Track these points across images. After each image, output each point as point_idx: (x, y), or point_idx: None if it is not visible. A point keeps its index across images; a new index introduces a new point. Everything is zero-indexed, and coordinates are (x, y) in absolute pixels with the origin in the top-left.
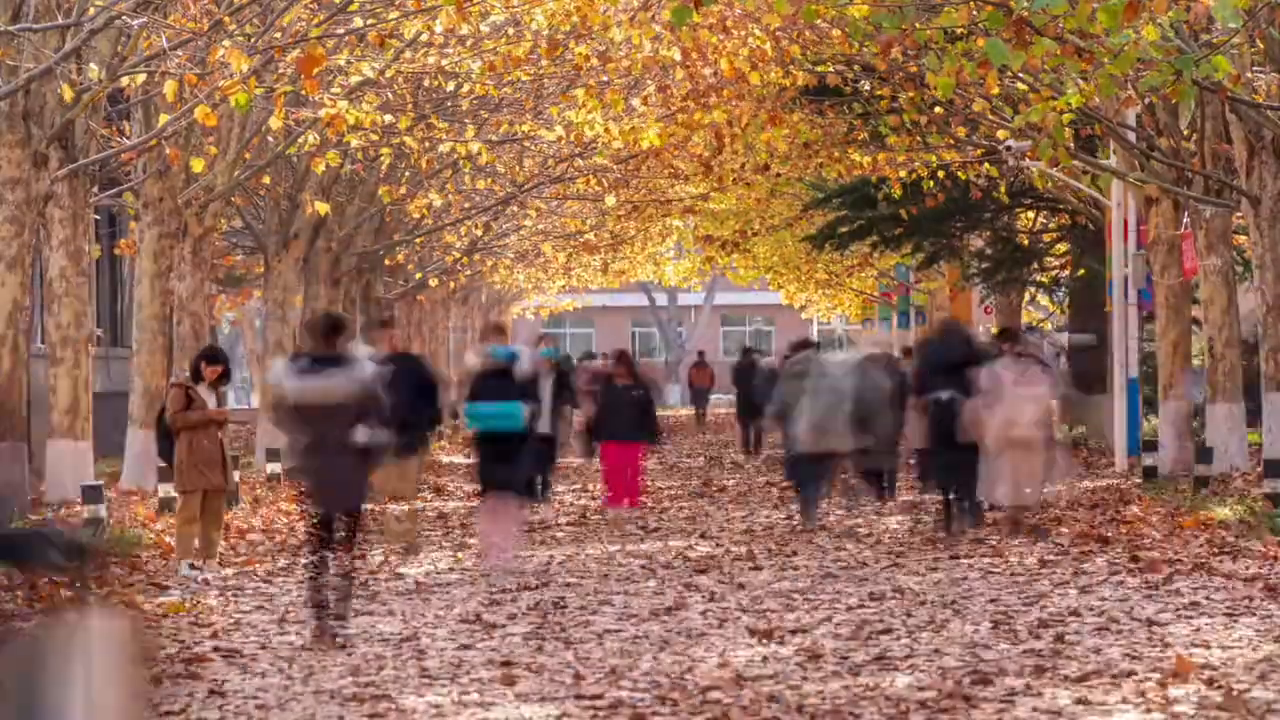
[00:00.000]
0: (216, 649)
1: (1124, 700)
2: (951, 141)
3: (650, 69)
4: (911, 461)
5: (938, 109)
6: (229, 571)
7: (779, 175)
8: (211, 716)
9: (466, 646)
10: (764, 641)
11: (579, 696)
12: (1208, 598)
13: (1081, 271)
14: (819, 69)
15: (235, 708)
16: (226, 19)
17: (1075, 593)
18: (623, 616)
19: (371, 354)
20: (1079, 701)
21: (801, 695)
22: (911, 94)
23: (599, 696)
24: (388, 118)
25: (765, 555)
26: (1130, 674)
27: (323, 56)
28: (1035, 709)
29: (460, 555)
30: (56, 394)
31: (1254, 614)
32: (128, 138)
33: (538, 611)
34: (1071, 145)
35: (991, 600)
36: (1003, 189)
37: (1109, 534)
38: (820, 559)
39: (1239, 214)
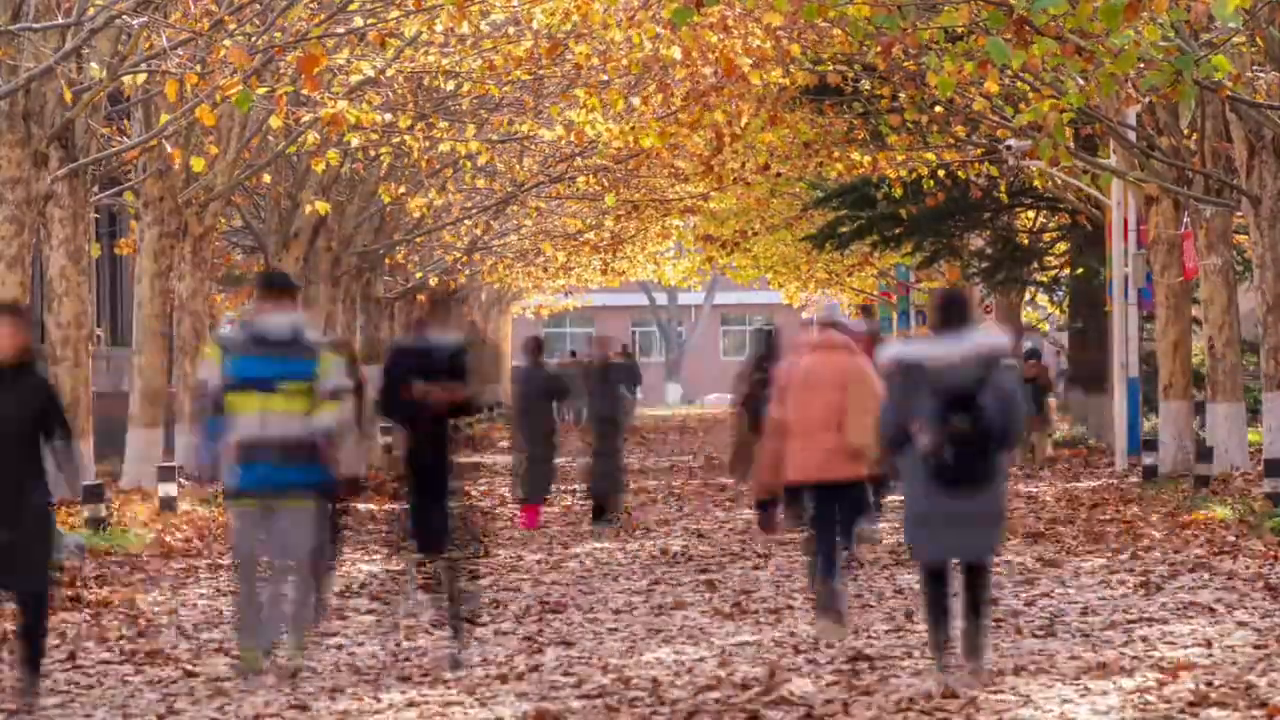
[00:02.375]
0: (220, 649)
1: (1123, 700)
2: (951, 141)
3: (650, 68)
4: None
5: (938, 108)
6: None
7: (779, 175)
8: (211, 715)
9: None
10: (763, 641)
11: (580, 696)
12: (1208, 597)
13: (1081, 271)
14: (819, 68)
15: (235, 709)
16: (227, 18)
17: (1074, 592)
18: (622, 615)
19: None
20: (1078, 701)
21: (802, 693)
22: (912, 93)
23: (599, 695)
24: (387, 116)
25: (765, 554)
26: (1130, 673)
27: (323, 56)
28: (1035, 708)
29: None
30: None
31: (1254, 614)
32: (128, 137)
33: (538, 610)
34: (1071, 145)
35: (991, 600)
36: (1003, 188)
37: (1109, 533)
38: None
39: (1239, 213)
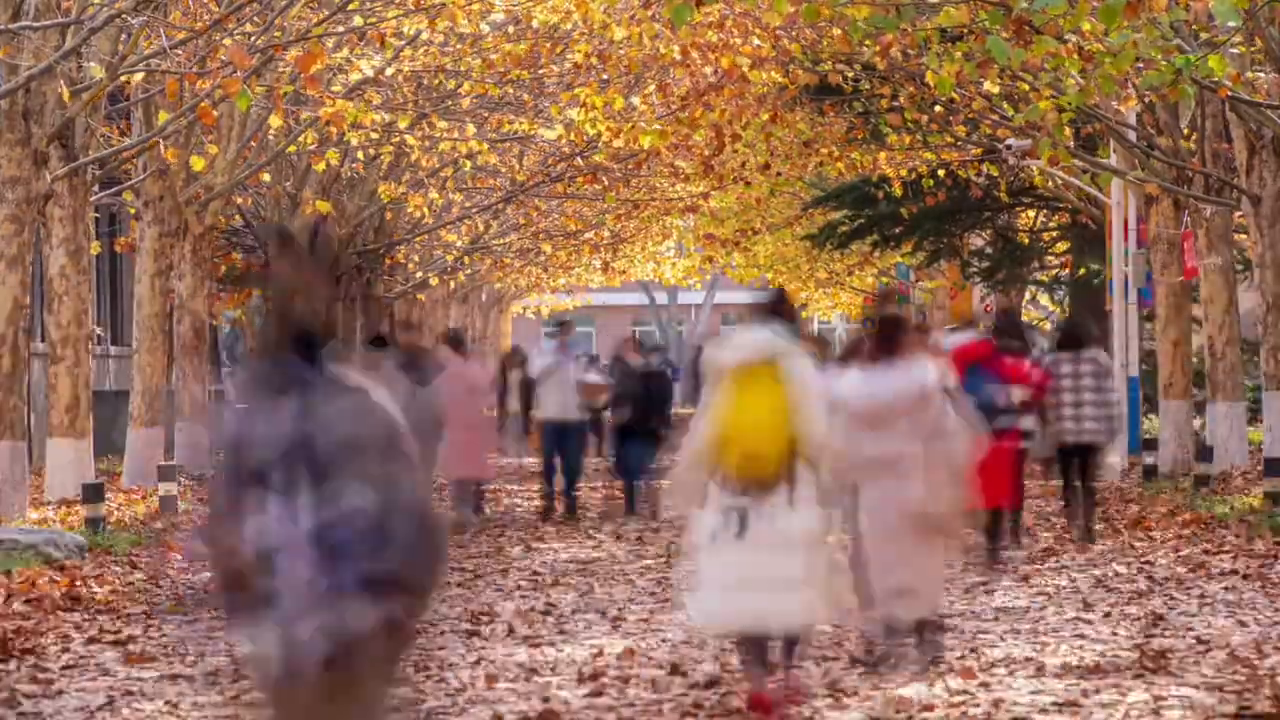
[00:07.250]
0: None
1: (1123, 699)
2: (952, 140)
3: (650, 66)
4: None
5: (938, 108)
6: None
7: (779, 175)
8: (213, 715)
9: (468, 643)
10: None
11: (580, 696)
12: (1207, 597)
13: (1081, 270)
14: (819, 68)
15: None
16: (226, 17)
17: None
18: (622, 612)
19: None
20: (1078, 699)
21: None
22: (912, 91)
23: (599, 695)
24: (386, 116)
25: None
26: (1129, 673)
27: (322, 54)
28: (1034, 705)
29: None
30: (57, 393)
31: (1254, 614)
32: (128, 136)
33: (539, 609)
34: (1071, 144)
35: (989, 596)
36: (1003, 188)
37: (1108, 533)
38: None
39: (1239, 213)
